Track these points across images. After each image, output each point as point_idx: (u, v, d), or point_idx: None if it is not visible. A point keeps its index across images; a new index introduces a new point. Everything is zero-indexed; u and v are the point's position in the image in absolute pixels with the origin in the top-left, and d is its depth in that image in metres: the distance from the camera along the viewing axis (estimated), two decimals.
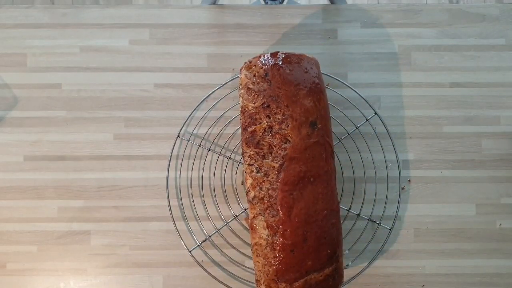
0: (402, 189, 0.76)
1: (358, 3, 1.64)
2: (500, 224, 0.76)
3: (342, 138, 0.75)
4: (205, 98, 0.76)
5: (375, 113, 0.75)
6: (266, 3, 1.07)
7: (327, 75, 0.75)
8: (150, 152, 0.77)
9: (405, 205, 0.76)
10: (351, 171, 0.76)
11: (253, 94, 0.64)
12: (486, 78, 0.78)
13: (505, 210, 0.76)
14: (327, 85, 0.76)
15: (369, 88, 0.77)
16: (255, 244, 0.62)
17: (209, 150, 0.76)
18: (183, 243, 0.74)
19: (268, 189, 0.62)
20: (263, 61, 0.64)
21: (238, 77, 0.75)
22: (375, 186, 0.76)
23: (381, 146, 0.75)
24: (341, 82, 0.75)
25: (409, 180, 0.77)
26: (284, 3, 1.09)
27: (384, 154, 0.75)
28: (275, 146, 0.62)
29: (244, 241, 0.75)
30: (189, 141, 0.76)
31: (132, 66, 0.77)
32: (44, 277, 0.75)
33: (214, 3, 0.92)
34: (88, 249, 0.75)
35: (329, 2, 0.93)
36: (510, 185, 0.76)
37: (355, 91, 0.75)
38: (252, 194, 0.63)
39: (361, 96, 0.75)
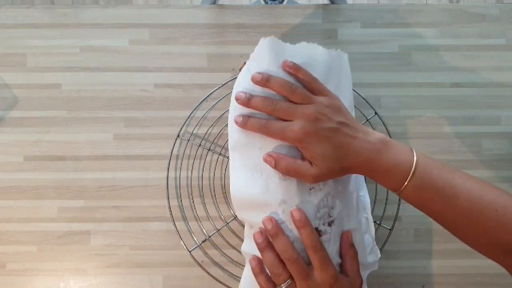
0: None
1: (358, 3, 1.63)
2: None
3: None
4: (204, 98, 0.76)
5: (375, 113, 0.75)
6: (266, 3, 1.07)
7: None
8: (150, 152, 0.76)
9: (405, 205, 0.76)
10: None
11: None
12: (486, 78, 0.78)
13: None
14: None
15: (369, 88, 0.77)
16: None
17: (209, 150, 0.76)
18: (183, 243, 0.74)
19: None
20: None
21: (236, 77, 0.75)
22: (375, 186, 0.76)
23: None
24: None
25: None
26: (284, 3, 1.09)
27: None
28: None
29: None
30: (189, 141, 0.76)
31: (132, 66, 0.77)
32: (44, 277, 0.75)
33: (214, 3, 0.92)
34: (88, 249, 0.75)
35: (329, 2, 0.93)
36: (510, 185, 0.76)
37: (355, 91, 0.75)
38: None
39: (361, 96, 0.75)
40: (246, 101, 0.55)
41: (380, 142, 0.54)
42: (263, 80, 0.54)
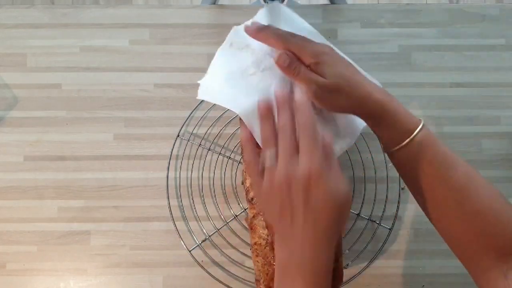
0: (402, 189, 0.76)
1: (358, 3, 1.63)
2: None
3: None
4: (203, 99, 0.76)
5: None
6: (266, 3, 1.07)
7: None
8: (150, 152, 0.77)
9: (405, 205, 0.76)
10: (350, 171, 0.76)
11: None
12: (486, 78, 0.78)
13: None
14: None
15: None
16: (255, 243, 0.62)
17: (209, 150, 0.76)
18: (182, 243, 0.74)
19: None
20: None
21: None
22: (375, 186, 0.76)
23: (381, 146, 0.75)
24: None
25: None
26: (284, 3, 1.09)
27: (384, 154, 0.75)
28: None
29: (244, 241, 0.75)
30: (189, 140, 0.76)
31: (132, 66, 0.77)
32: (44, 277, 0.75)
33: (214, 3, 0.92)
34: (88, 249, 0.75)
35: (329, 2, 0.93)
36: (510, 185, 0.76)
37: None
38: (251, 193, 0.63)
39: None
40: (256, 31, 0.53)
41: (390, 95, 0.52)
42: (254, 30, 0.53)
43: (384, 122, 0.51)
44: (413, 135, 0.51)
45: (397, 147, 0.52)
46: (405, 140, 0.51)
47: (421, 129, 0.51)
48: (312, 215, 0.45)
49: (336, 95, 0.50)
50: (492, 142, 0.77)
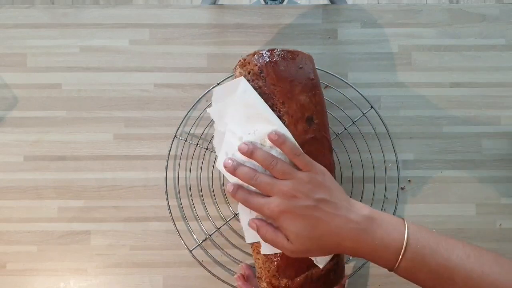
0: (402, 189, 0.76)
1: (358, 3, 1.63)
2: (500, 224, 0.76)
3: (339, 133, 0.75)
4: (200, 98, 0.76)
5: (371, 107, 0.75)
6: (266, 3, 1.07)
7: (326, 71, 0.75)
8: (150, 152, 0.77)
9: (405, 205, 0.76)
10: (350, 171, 0.76)
11: None
12: (486, 78, 0.78)
13: (505, 210, 0.76)
14: (327, 85, 0.76)
15: (369, 88, 0.77)
16: None
17: (207, 149, 0.76)
18: (183, 243, 0.74)
19: None
20: (257, 59, 0.64)
21: (233, 75, 0.75)
22: (373, 186, 0.76)
23: (381, 146, 0.75)
24: (340, 79, 0.75)
25: (409, 180, 0.77)
26: (284, 3, 1.09)
27: (383, 154, 0.75)
28: None
29: (244, 240, 0.75)
30: (186, 140, 0.76)
31: (132, 66, 0.77)
32: (44, 277, 0.75)
33: (214, 3, 0.92)
34: (88, 249, 0.75)
35: (329, 2, 0.93)
36: (510, 185, 0.76)
37: (354, 88, 0.75)
38: None
39: (358, 92, 0.75)
40: (232, 169, 0.55)
41: (366, 220, 0.51)
42: (248, 152, 0.55)
43: (365, 256, 0.52)
44: (396, 264, 0.50)
45: (393, 269, 0.51)
46: (392, 267, 0.51)
47: (403, 254, 0.50)
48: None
49: (307, 254, 0.54)
50: (492, 142, 0.77)
